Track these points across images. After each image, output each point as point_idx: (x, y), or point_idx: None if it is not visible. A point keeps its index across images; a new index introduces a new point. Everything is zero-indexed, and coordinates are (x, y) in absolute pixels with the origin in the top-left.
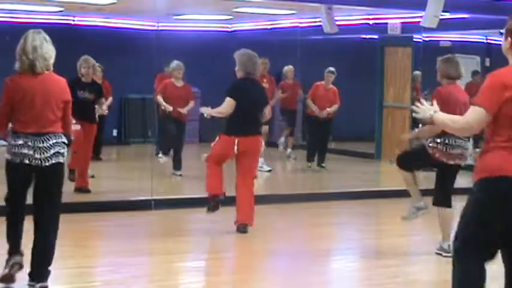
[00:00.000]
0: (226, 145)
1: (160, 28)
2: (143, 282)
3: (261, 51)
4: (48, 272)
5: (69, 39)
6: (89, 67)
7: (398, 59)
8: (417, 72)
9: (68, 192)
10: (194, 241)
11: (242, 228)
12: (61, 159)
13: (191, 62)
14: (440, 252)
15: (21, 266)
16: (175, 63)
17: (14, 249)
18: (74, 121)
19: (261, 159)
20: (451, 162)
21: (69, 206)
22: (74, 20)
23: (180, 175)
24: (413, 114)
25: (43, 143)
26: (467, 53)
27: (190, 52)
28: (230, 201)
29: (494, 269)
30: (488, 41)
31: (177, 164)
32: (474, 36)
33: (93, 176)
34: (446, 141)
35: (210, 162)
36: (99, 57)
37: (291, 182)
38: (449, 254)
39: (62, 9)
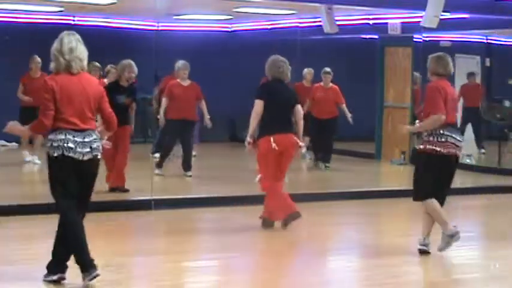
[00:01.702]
0: (265, 146)
1: (160, 28)
2: (143, 282)
3: (260, 52)
4: (92, 260)
5: None
6: (134, 72)
7: (398, 59)
8: (417, 74)
9: None
10: (194, 241)
11: (269, 224)
12: (100, 155)
13: (191, 61)
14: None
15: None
16: (180, 62)
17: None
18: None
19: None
20: (445, 152)
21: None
22: (74, 20)
23: (190, 176)
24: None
25: (84, 138)
26: (468, 53)
27: (190, 52)
28: (230, 201)
29: (496, 269)
30: (489, 41)
31: (186, 166)
32: (474, 36)
33: None
34: (437, 132)
35: (265, 183)
36: (99, 57)
37: (291, 182)
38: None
39: (62, 9)
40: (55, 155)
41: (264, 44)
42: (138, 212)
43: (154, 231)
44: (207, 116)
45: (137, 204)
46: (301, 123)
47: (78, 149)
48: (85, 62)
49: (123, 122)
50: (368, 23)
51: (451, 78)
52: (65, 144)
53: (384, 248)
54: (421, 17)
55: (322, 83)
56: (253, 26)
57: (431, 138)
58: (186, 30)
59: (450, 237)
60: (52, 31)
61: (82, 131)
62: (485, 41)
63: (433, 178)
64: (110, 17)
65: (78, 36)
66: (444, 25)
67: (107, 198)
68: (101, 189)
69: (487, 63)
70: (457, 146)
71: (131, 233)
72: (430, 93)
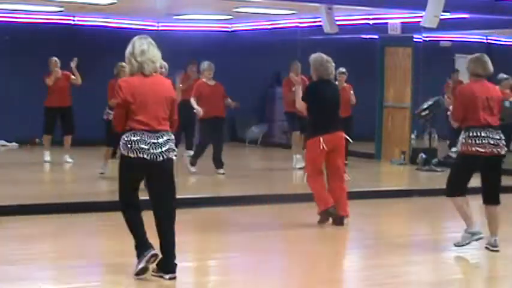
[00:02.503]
0: (314, 147)
1: (160, 28)
2: (143, 282)
3: (261, 51)
4: (175, 264)
5: (69, 39)
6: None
7: (398, 59)
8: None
9: (67, 193)
10: (194, 241)
11: (339, 221)
12: (173, 156)
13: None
14: (487, 246)
15: (157, 257)
16: (206, 63)
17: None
18: None
19: (298, 156)
20: (479, 150)
21: (69, 206)
22: (74, 20)
23: (223, 173)
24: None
25: (157, 139)
26: (468, 53)
27: (190, 52)
28: (230, 201)
29: (496, 269)
30: (489, 41)
31: (218, 163)
32: (474, 36)
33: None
34: (470, 134)
35: (309, 177)
36: (99, 57)
37: (291, 182)
38: (496, 248)
39: (62, 9)
40: (129, 155)
41: (264, 44)
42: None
43: (154, 231)
44: (233, 104)
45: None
46: None
47: (152, 150)
48: (158, 64)
49: None
50: (368, 23)
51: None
52: (136, 146)
53: (384, 248)
54: (421, 17)
55: (336, 83)
56: (253, 26)
57: (464, 140)
58: (186, 30)
59: (472, 235)
60: (52, 31)
61: (156, 131)
62: (485, 41)
63: (461, 176)
64: (110, 17)
65: (150, 40)
66: (444, 25)
67: (106, 198)
68: (101, 189)
69: None
70: (496, 145)
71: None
72: (455, 96)
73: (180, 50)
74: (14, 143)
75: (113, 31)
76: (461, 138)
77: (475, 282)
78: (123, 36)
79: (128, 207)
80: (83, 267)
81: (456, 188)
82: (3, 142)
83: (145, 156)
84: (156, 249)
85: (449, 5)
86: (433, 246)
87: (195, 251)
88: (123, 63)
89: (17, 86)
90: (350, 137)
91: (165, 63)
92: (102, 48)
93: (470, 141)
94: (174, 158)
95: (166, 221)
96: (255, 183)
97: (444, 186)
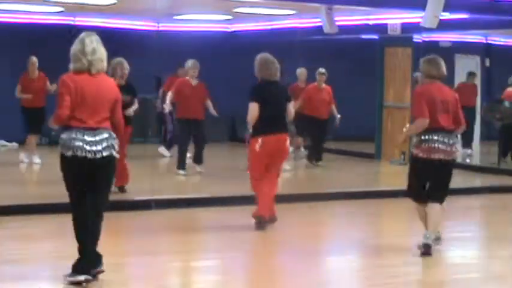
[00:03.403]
0: (253, 148)
1: (160, 28)
2: (143, 282)
3: (260, 52)
4: (96, 263)
5: (70, 40)
6: (126, 69)
7: (398, 59)
8: (418, 74)
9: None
10: (194, 241)
11: (265, 223)
12: (114, 153)
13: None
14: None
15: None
16: (191, 61)
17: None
18: None
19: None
20: (436, 157)
21: (68, 206)
22: (74, 20)
23: (201, 171)
24: None
25: (95, 137)
26: (467, 53)
27: (190, 52)
28: (230, 201)
29: (496, 269)
30: (488, 41)
31: (198, 159)
32: (474, 37)
33: None
34: (423, 138)
35: (252, 180)
36: None
37: (291, 182)
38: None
39: (62, 9)
40: (65, 153)
41: (264, 44)
42: (139, 212)
43: (154, 232)
44: (212, 110)
45: (138, 205)
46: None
47: (88, 147)
48: (105, 63)
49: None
50: (368, 24)
51: (449, 80)
52: (74, 143)
53: (384, 248)
54: (421, 17)
55: (316, 83)
56: (253, 26)
57: (417, 144)
58: (186, 31)
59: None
60: (52, 31)
61: (94, 129)
62: (484, 41)
63: (418, 182)
64: (110, 18)
65: (97, 37)
66: (444, 25)
67: None
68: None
69: (487, 64)
70: (446, 150)
71: (131, 233)
72: (414, 99)
73: (180, 50)
74: (14, 143)
75: (113, 31)
76: (414, 140)
77: (475, 282)
78: (124, 37)
79: (76, 205)
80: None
81: (416, 194)
82: (3, 142)
83: (83, 154)
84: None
85: (449, 5)
86: (432, 246)
87: (194, 251)
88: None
89: (16, 86)
90: (324, 139)
91: (127, 66)
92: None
93: (422, 145)
94: (116, 155)
95: (95, 219)
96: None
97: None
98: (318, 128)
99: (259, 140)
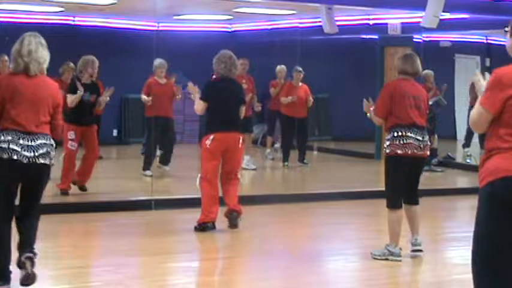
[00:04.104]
0: (205, 145)
1: (160, 28)
2: (143, 282)
3: (261, 52)
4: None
5: (69, 40)
6: (96, 68)
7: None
8: (428, 72)
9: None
10: (193, 241)
11: (234, 220)
12: (48, 161)
13: (191, 62)
14: (382, 256)
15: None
16: (158, 61)
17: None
18: (72, 137)
19: (246, 157)
20: (409, 153)
21: (68, 206)
22: (74, 20)
23: (167, 170)
24: None
25: (31, 141)
26: (467, 53)
27: (190, 52)
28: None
29: None
30: (488, 41)
31: (167, 160)
32: (474, 37)
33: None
34: (395, 134)
35: (202, 180)
36: (99, 57)
37: (290, 182)
38: (420, 247)
39: (62, 9)
40: (1, 156)
41: (264, 44)
42: (139, 212)
43: (154, 232)
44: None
45: (137, 205)
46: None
47: (24, 152)
48: (45, 65)
49: (89, 121)
50: (368, 23)
51: (450, 80)
52: (7, 146)
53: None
54: (421, 17)
55: (293, 82)
56: (254, 26)
57: (391, 141)
58: (186, 31)
59: (390, 253)
60: (52, 31)
61: (31, 134)
62: (485, 41)
63: (395, 181)
64: (110, 18)
65: (40, 39)
66: (444, 25)
67: (106, 198)
68: (100, 189)
69: (487, 63)
70: (419, 146)
71: (131, 233)
72: (381, 92)
73: (180, 50)
74: None
75: (113, 31)
76: (387, 139)
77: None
78: (124, 37)
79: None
80: (83, 267)
81: (394, 198)
82: None
83: (18, 158)
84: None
85: (449, 5)
86: (432, 246)
87: (194, 251)
88: (71, 64)
89: None
90: (305, 139)
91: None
92: (102, 48)
93: (396, 142)
94: (50, 163)
95: (27, 223)
96: (253, 183)
97: (443, 187)
98: (295, 127)
99: (211, 136)
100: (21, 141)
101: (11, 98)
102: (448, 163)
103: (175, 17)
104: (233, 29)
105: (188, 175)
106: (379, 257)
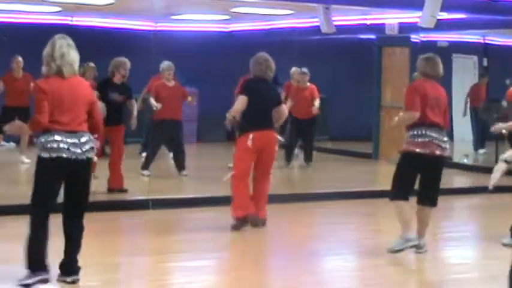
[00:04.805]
0: (243, 144)
1: (158, 28)
2: (142, 282)
3: (258, 52)
4: (79, 266)
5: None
6: (128, 69)
7: (395, 59)
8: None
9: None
10: (192, 241)
11: (255, 221)
12: (92, 155)
13: (189, 62)
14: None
15: (46, 282)
16: (165, 63)
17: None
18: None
19: None
20: (421, 151)
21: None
22: (72, 20)
23: (186, 175)
24: None
25: (77, 139)
26: (465, 53)
27: (188, 52)
28: (228, 201)
29: (495, 269)
30: (486, 41)
31: (182, 166)
32: (471, 36)
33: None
34: (416, 132)
35: (235, 178)
36: (97, 57)
37: (288, 182)
38: (423, 250)
39: (60, 9)
40: (46, 155)
41: (261, 44)
42: (136, 212)
43: (152, 231)
44: (189, 98)
45: (135, 205)
46: (279, 122)
47: (72, 149)
48: (76, 67)
49: (116, 121)
50: (365, 23)
51: (447, 79)
52: (57, 146)
53: (382, 248)
54: (419, 17)
55: (295, 82)
56: (251, 26)
57: (411, 138)
58: (184, 31)
59: (407, 241)
60: (50, 31)
61: (74, 132)
62: (482, 41)
63: (405, 178)
64: (107, 17)
65: (69, 41)
66: (441, 25)
67: (104, 198)
68: (99, 189)
69: (484, 63)
70: (439, 146)
71: (129, 233)
72: (407, 92)
73: (178, 51)
74: (11, 143)
75: (111, 31)
76: (406, 136)
77: (473, 282)
78: (121, 37)
79: (41, 211)
80: (82, 267)
81: (399, 191)
82: (1, 142)
83: (67, 155)
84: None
85: (447, 5)
86: (431, 245)
87: (192, 250)
88: (91, 64)
89: None
90: (312, 139)
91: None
92: (100, 48)
93: (413, 139)
94: (95, 158)
95: (76, 220)
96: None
97: (442, 187)
98: (301, 128)
99: (250, 135)
100: (68, 140)
101: (52, 101)
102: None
103: (173, 17)
104: (231, 29)
105: (186, 175)
106: (398, 248)
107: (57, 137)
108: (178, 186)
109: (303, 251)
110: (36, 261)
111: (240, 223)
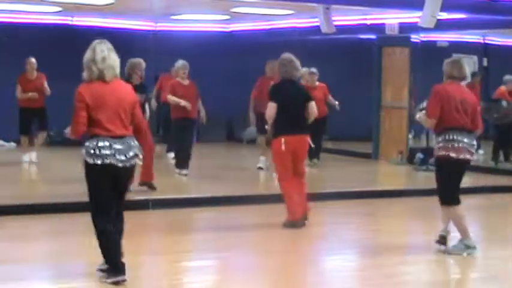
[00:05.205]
0: (277, 147)
1: (158, 28)
2: (142, 282)
3: (258, 52)
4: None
5: (67, 39)
6: (144, 69)
7: (396, 59)
8: None
9: (65, 192)
10: (192, 241)
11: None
12: (135, 162)
13: (189, 62)
14: (459, 252)
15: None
16: (180, 62)
17: None
18: None
19: (262, 158)
20: (455, 156)
21: (68, 206)
22: (72, 20)
23: (186, 175)
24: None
25: (121, 145)
26: (465, 52)
27: (188, 52)
28: (228, 201)
29: (495, 268)
30: (486, 41)
31: (183, 162)
32: (471, 36)
33: None
34: (447, 137)
35: (281, 180)
36: None
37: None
38: (472, 251)
39: (60, 9)
40: (92, 162)
41: (261, 44)
42: (136, 212)
43: (152, 232)
44: (203, 113)
45: (135, 205)
46: (311, 119)
47: (117, 156)
48: (118, 70)
49: None
50: (365, 23)
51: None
52: (102, 151)
53: (382, 248)
54: (419, 17)
55: (309, 83)
56: (251, 26)
57: (444, 144)
58: (184, 31)
59: (466, 247)
60: (50, 31)
61: (119, 137)
62: (482, 41)
63: (450, 183)
64: (107, 17)
65: (109, 44)
66: (441, 25)
67: None
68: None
69: (484, 63)
70: (469, 150)
71: (129, 233)
72: (430, 96)
73: (178, 51)
74: (12, 143)
75: (111, 31)
76: (439, 141)
77: (474, 282)
78: (121, 36)
79: (101, 214)
80: (82, 267)
81: (451, 196)
82: (1, 142)
83: (112, 162)
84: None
85: (447, 5)
86: (430, 245)
87: (193, 251)
88: None
89: (15, 86)
90: (321, 138)
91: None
92: None
93: (445, 144)
94: (140, 162)
95: (118, 222)
96: (252, 183)
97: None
98: (314, 128)
99: (282, 139)
100: (114, 146)
101: (95, 105)
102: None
103: (172, 17)
104: (231, 29)
105: (187, 174)
106: (456, 252)
107: (101, 143)
108: (178, 186)
109: (304, 250)
110: (115, 263)
111: (292, 224)
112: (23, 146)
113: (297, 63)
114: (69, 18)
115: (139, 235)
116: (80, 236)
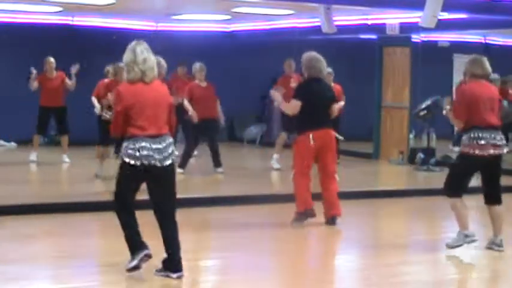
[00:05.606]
0: (303, 143)
1: (159, 28)
2: (143, 282)
3: (259, 52)
4: (181, 263)
5: (68, 39)
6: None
7: (396, 59)
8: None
9: (66, 193)
10: (193, 241)
11: (332, 221)
12: (172, 160)
13: (190, 62)
14: (492, 246)
15: (150, 257)
16: (198, 65)
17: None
18: None
19: (276, 156)
20: (480, 153)
21: (68, 206)
22: (72, 20)
23: (222, 172)
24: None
25: (159, 144)
26: (466, 52)
27: (188, 52)
28: (229, 201)
29: (495, 268)
30: (487, 41)
31: (217, 162)
32: (472, 36)
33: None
34: (472, 135)
35: (296, 175)
36: (98, 57)
37: (288, 182)
38: (501, 248)
39: (61, 9)
40: (132, 162)
41: (262, 44)
42: (137, 212)
43: (153, 231)
44: (221, 113)
45: (137, 204)
46: (331, 117)
47: (155, 155)
48: (156, 70)
49: None
50: (366, 23)
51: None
52: (139, 153)
53: (383, 248)
54: (420, 17)
55: None
56: (252, 26)
57: (468, 142)
58: (185, 31)
59: (465, 237)
60: (51, 31)
61: (157, 137)
62: (483, 41)
63: (461, 178)
64: (108, 17)
65: (146, 45)
66: (442, 25)
67: (105, 198)
68: (101, 189)
69: None
70: (496, 145)
71: None
72: (456, 97)
73: (179, 51)
74: (12, 143)
75: (111, 31)
76: (463, 139)
77: (473, 282)
78: (122, 36)
79: (124, 209)
80: (82, 267)
81: (455, 189)
82: (1, 142)
83: (150, 162)
84: (153, 249)
85: (448, 5)
86: (431, 246)
87: (194, 250)
88: (122, 64)
89: (15, 86)
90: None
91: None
92: (100, 48)
93: (472, 142)
94: (176, 161)
95: (169, 222)
96: (253, 183)
97: (441, 186)
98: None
99: (310, 135)
100: (152, 146)
101: (134, 106)
102: (447, 163)
103: (173, 17)
104: (232, 29)
105: (188, 174)
106: (456, 244)
107: (138, 144)
108: (180, 186)
109: (305, 250)
110: (135, 245)
111: (300, 217)
112: (34, 145)
113: (324, 62)
114: (70, 18)
115: (144, 234)
116: (81, 236)
